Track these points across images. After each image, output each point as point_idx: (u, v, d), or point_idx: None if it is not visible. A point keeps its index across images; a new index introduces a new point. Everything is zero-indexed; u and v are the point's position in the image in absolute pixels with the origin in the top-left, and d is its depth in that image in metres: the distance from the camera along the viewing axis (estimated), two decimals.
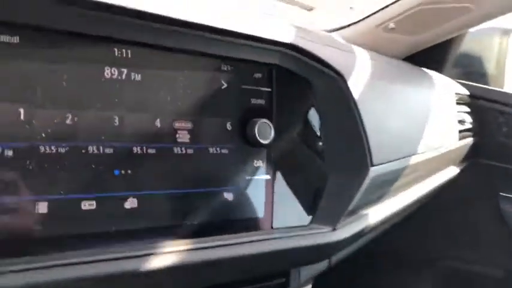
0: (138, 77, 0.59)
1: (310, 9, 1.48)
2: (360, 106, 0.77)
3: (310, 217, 0.75)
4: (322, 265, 0.86)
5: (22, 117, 0.51)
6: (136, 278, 0.55)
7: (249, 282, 0.76)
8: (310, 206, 0.75)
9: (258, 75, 0.71)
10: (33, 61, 0.52)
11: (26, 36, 0.51)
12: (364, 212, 0.83)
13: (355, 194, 0.76)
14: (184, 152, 0.63)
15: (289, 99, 0.74)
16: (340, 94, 0.76)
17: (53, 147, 0.53)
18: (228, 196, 0.67)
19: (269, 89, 0.72)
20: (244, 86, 0.69)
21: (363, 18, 1.29)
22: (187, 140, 0.63)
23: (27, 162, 0.51)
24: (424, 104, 1.07)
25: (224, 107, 0.67)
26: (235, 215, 0.68)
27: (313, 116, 0.77)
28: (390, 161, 0.81)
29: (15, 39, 0.51)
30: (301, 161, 0.76)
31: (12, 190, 0.50)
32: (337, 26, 1.35)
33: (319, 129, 0.77)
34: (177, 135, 0.62)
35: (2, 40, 0.50)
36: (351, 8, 1.48)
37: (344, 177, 0.77)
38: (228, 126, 0.67)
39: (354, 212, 0.79)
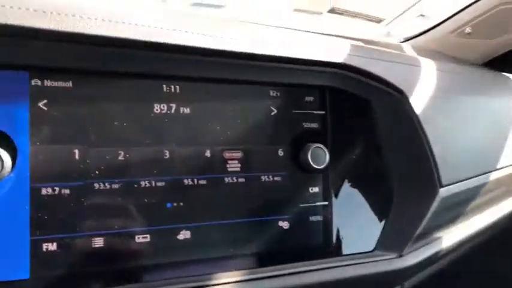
0: (187, 110, 0.61)
1: (379, 21, 1.43)
2: (425, 123, 0.72)
3: (374, 243, 0.71)
4: None
5: (77, 157, 0.54)
6: None
7: None
8: (373, 231, 0.72)
9: (309, 98, 0.69)
10: (85, 103, 0.55)
11: (78, 80, 0.55)
12: (436, 235, 0.77)
13: (423, 218, 0.71)
14: (235, 181, 0.63)
15: (345, 120, 0.72)
16: (402, 112, 0.72)
17: (106, 184, 0.56)
18: (284, 224, 0.66)
19: (322, 112, 0.70)
20: (295, 111, 0.68)
21: (436, 25, 1.22)
22: (238, 169, 0.63)
23: (83, 199, 0.54)
24: (506, 114, 0.98)
25: (275, 134, 0.66)
26: (292, 244, 0.66)
27: (373, 137, 0.73)
28: (461, 181, 0.75)
29: (69, 84, 0.55)
30: (361, 185, 0.72)
31: (70, 227, 0.53)
32: (409, 36, 1.30)
33: (381, 150, 0.73)
34: (228, 165, 0.63)
35: (56, 85, 0.54)
36: (421, 15, 1.41)
37: (410, 199, 0.72)
38: (280, 152, 0.66)
39: (423, 236, 0.74)
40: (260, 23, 1.06)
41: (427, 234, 0.74)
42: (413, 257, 0.72)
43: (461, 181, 0.75)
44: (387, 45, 1.07)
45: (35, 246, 0.52)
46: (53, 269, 0.52)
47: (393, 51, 0.83)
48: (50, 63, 0.53)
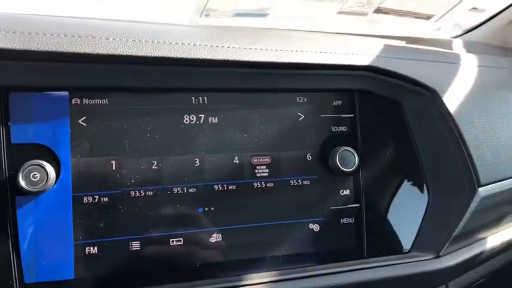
0: (215, 120, 0.64)
1: (428, 17, 1.40)
2: (459, 122, 0.70)
3: (409, 244, 0.71)
4: None
5: (114, 167, 0.59)
6: None
7: None
8: (408, 232, 0.71)
9: (337, 102, 0.70)
10: (120, 117, 0.60)
11: (113, 97, 0.60)
12: (477, 237, 0.75)
13: (461, 218, 0.70)
14: (264, 186, 0.65)
15: (375, 123, 0.72)
16: (435, 111, 0.71)
17: (141, 192, 0.60)
18: (314, 227, 0.67)
19: (351, 115, 0.71)
20: (323, 115, 0.69)
21: (491, 18, 1.18)
22: (267, 174, 0.66)
23: (120, 206, 0.59)
24: None
25: (302, 139, 0.68)
26: (324, 246, 0.67)
27: (405, 138, 0.73)
28: (502, 180, 0.73)
29: (105, 101, 0.60)
30: (394, 186, 0.72)
31: (109, 231, 0.58)
32: (462, 31, 1.26)
33: (414, 150, 0.73)
34: (256, 171, 0.65)
35: (93, 103, 0.59)
36: (474, 8, 1.36)
37: (447, 200, 0.71)
38: (308, 157, 0.68)
39: (462, 237, 0.72)
40: (303, 29, 1.08)
41: (467, 235, 0.72)
42: (452, 258, 0.70)
43: (501, 180, 0.73)
44: (436, 42, 1.04)
45: (78, 249, 0.57)
46: (95, 270, 0.58)
47: (428, 48, 0.82)
48: (88, 83, 0.59)
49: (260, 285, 0.62)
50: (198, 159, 0.63)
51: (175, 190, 0.62)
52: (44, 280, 0.55)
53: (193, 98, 0.64)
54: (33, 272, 0.55)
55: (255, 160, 0.65)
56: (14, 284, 0.54)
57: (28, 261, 0.55)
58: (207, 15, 1.15)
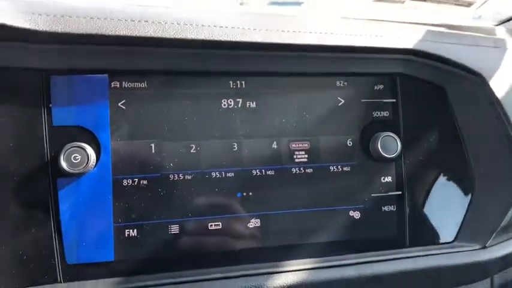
0: (253, 104, 0.63)
1: (469, 4, 1.35)
2: (508, 107, 0.67)
3: (454, 234, 0.68)
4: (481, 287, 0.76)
5: (153, 151, 0.59)
6: None
7: None
8: (452, 222, 0.69)
9: (379, 86, 0.68)
10: (159, 101, 0.60)
11: (152, 81, 0.60)
12: None
13: (509, 208, 0.67)
14: (303, 171, 0.64)
15: (418, 108, 0.70)
16: (482, 96, 0.68)
17: (180, 175, 0.60)
18: (355, 214, 0.65)
19: (393, 100, 0.69)
20: (364, 100, 0.68)
21: None
22: (306, 160, 0.64)
23: (159, 189, 0.59)
24: None
25: (343, 124, 0.66)
26: (364, 234, 0.65)
27: (450, 124, 0.70)
28: None
29: (144, 84, 0.60)
30: (438, 173, 0.69)
31: (148, 214, 0.58)
32: (505, 18, 1.21)
33: (459, 137, 0.70)
34: (295, 156, 0.64)
35: (133, 86, 0.59)
36: None
37: (495, 188, 0.68)
38: (349, 142, 0.66)
39: (511, 227, 0.69)
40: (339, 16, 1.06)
41: None
42: (499, 249, 0.67)
43: None
44: (478, 30, 1.01)
45: (118, 232, 0.57)
46: (134, 252, 0.58)
47: (474, 34, 0.79)
48: (127, 66, 0.59)
49: (298, 272, 0.61)
50: (236, 144, 0.62)
51: (213, 174, 0.61)
52: (85, 261, 0.56)
53: (231, 82, 0.63)
54: (75, 253, 0.56)
55: (293, 145, 0.64)
56: (57, 265, 0.55)
57: (69, 243, 0.55)
58: (241, 4, 1.15)
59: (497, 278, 0.78)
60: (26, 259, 0.54)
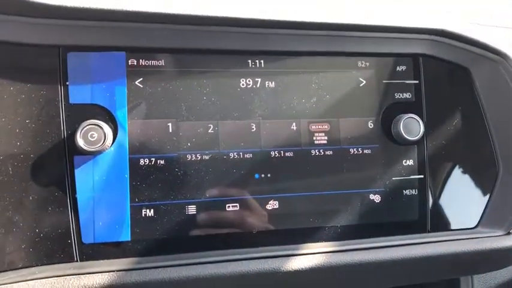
0: (272, 84, 0.62)
1: None
2: None
3: (477, 219, 0.66)
4: (503, 274, 0.74)
5: (170, 130, 0.58)
6: (278, 277, 0.57)
7: None
8: (475, 207, 0.67)
9: (401, 67, 0.66)
10: (176, 80, 0.59)
11: (169, 59, 0.59)
12: None
13: None
14: (322, 154, 0.63)
15: (441, 90, 0.68)
16: (508, 78, 0.66)
17: (198, 155, 0.59)
18: (375, 198, 0.64)
19: (416, 81, 0.67)
20: (385, 81, 0.66)
21: None
22: (325, 142, 0.63)
23: (177, 169, 0.58)
24: None
25: (364, 105, 0.65)
26: (385, 218, 0.64)
27: (473, 106, 0.68)
28: None
29: (161, 63, 0.59)
30: (461, 157, 0.67)
31: (165, 194, 0.57)
32: None
33: (483, 120, 0.68)
34: (314, 138, 0.63)
35: (150, 64, 0.58)
36: None
37: None
38: (370, 124, 0.64)
39: None
40: None
41: None
42: None
43: None
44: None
45: (135, 211, 0.56)
46: (151, 232, 0.57)
47: (498, 13, 0.76)
48: (144, 43, 0.58)
49: (316, 255, 0.60)
50: (254, 125, 0.61)
51: (231, 155, 0.60)
52: (101, 241, 0.55)
53: (250, 61, 0.62)
54: (91, 233, 0.55)
55: (313, 127, 0.63)
56: (73, 244, 0.54)
57: (86, 222, 0.55)
58: None
59: None
60: (43, 237, 0.53)
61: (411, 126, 0.64)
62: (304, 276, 0.58)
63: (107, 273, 0.52)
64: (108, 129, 0.55)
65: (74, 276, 0.51)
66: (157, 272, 0.54)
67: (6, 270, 0.52)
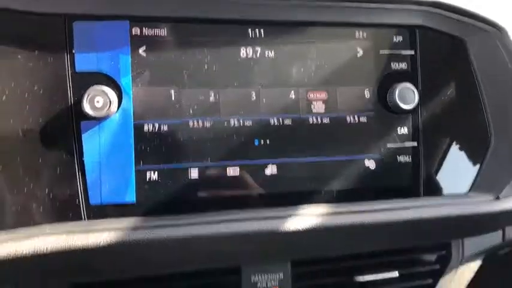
0: (271, 54, 0.64)
1: None
2: None
3: (468, 185, 0.69)
4: (492, 239, 0.77)
5: (173, 97, 0.60)
6: (276, 237, 0.60)
7: (405, 253, 0.74)
8: (467, 173, 0.69)
9: (398, 38, 0.68)
10: (179, 49, 0.61)
11: (172, 28, 0.60)
12: None
13: None
14: (320, 121, 0.65)
15: (436, 60, 0.69)
16: (503, 50, 0.68)
17: (199, 122, 0.61)
18: (370, 164, 0.66)
19: (412, 52, 0.68)
20: (382, 51, 0.67)
21: None
22: (323, 110, 0.65)
23: (179, 135, 0.60)
24: None
25: (361, 75, 0.67)
26: (379, 183, 0.67)
27: (468, 76, 0.70)
28: None
29: (164, 32, 0.60)
30: (455, 126, 0.70)
31: (168, 159, 0.60)
32: None
33: (477, 90, 0.70)
34: (312, 106, 0.65)
35: (153, 33, 0.60)
36: None
37: (511, 141, 0.69)
38: (366, 93, 0.66)
39: None
40: None
41: None
42: (511, 201, 0.68)
43: None
44: None
45: (139, 175, 0.59)
46: (155, 195, 0.60)
47: None
48: (147, 12, 0.60)
49: (313, 217, 0.62)
50: (254, 93, 0.63)
51: (232, 122, 0.62)
52: (108, 202, 0.58)
53: (250, 30, 0.63)
54: (98, 194, 0.58)
55: (311, 95, 0.65)
56: (81, 205, 0.57)
57: (93, 184, 0.57)
58: None
59: (510, 231, 0.79)
60: (53, 198, 0.56)
61: (406, 95, 0.66)
62: (300, 236, 0.61)
63: (114, 231, 0.55)
64: (113, 95, 0.57)
65: (82, 233, 0.54)
66: (162, 231, 0.56)
67: (18, 227, 0.55)
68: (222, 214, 0.60)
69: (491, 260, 0.85)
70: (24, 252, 0.52)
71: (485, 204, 0.67)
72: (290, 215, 0.61)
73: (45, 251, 0.53)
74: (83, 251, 0.54)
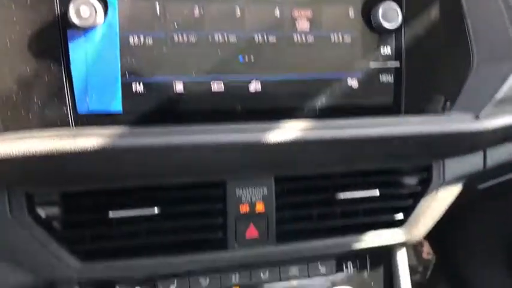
0: None
1: None
2: None
3: (449, 105, 0.70)
4: (472, 165, 0.79)
5: (158, 11, 0.61)
6: (257, 148, 0.62)
7: (387, 174, 0.76)
8: (448, 93, 0.70)
9: None
10: None
11: None
12: None
13: (505, 81, 0.68)
14: (304, 40, 0.66)
15: None
16: None
17: (184, 36, 0.62)
18: (353, 83, 0.68)
19: None
20: None
21: None
22: (307, 29, 0.66)
23: (164, 49, 0.62)
24: None
25: None
26: (361, 102, 0.68)
27: None
28: None
29: None
30: (437, 47, 0.71)
31: (154, 71, 0.62)
32: None
33: (462, 11, 0.70)
34: (297, 24, 0.66)
35: None
36: None
37: (493, 64, 0.70)
38: (351, 12, 0.67)
39: (506, 103, 0.70)
40: None
41: (510, 101, 0.71)
42: (490, 121, 0.69)
43: None
44: None
45: (125, 86, 0.61)
46: (141, 106, 0.61)
47: None
48: None
49: (296, 130, 0.63)
50: (238, 8, 0.64)
51: (216, 37, 0.63)
52: (95, 111, 0.60)
53: None
54: (85, 103, 0.60)
55: (296, 13, 0.65)
56: (69, 113, 0.59)
57: (80, 93, 0.59)
58: None
59: (490, 157, 0.81)
60: (41, 105, 0.58)
61: (390, 14, 0.67)
62: (282, 148, 0.63)
63: (101, 137, 0.57)
64: (98, 6, 0.58)
65: (70, 138, 0.56)
66: (147, 139, 0.58)
67: (6, 131, 0.57)
68: (205, 125, 0.62)
69: (471, 193, 0.88)
70: (13, 153, 0.54)
71: (465, 123, 0.68)
72: (272, 128, 0.63)
73: (34, 153, 0.55)
74: (70, 154, 0.56)
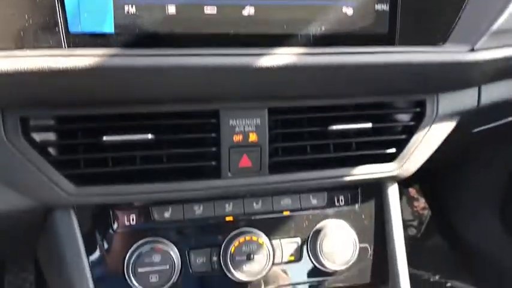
0: None
1: None
2: None
3: (444, 36, 0.70)
4: (467, 102, 0.79)
5: None
6: (249, 72, 0.62)
7: (380, 107, 0.77)
8: (444, 24, 0.70)
9: None
10: None
11: None
12: None
13: (501, 12, 0.68)
14: None
15: None
16: None
17: None
18: (347, 10, 0.67)
19: None
20: None
21: None
22: None
23: None
24: None
25: None
26: (356, 30, 0.67)
27: None
28: None
29: None
30: None
31: None
32: None
33: None
34: None
35: None
36: None
37: None
38: None
39: (502, 34, 0.70)
40: None
41: (506, 34, 0.70)
42: (486, 53, 0.69)
43: None
44: None
45: (117, 6, 0.60)
46: (133, 28, 0.61)
47: None
48: None
49: (289, 56, 0.63)
50: None
51: None
52: (87, 31, 0.60)
53: None
54: (77, 23, 0.59)
55: None
56: (61, 33, 0.59)
57: (72, 12, 0.58)
58: None
59: (485, 96, 0.81)
60: (32, 25, 0.57)
61: None
62: (275, 75, 0.63)
63: (94, 57, 0.57)
64: None
65: (63, 57, 0.56)
66: (140, 59, 0.59)
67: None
68: (198, 49, 0.62)
69: (465, 136, 0.88)
70: (5, 69, 0.54)
71: (460, 55, 0.68)
72: (265, 53, 0.63)
73: (26, 69, 0.55)
74: (62, 72, 0.56)
